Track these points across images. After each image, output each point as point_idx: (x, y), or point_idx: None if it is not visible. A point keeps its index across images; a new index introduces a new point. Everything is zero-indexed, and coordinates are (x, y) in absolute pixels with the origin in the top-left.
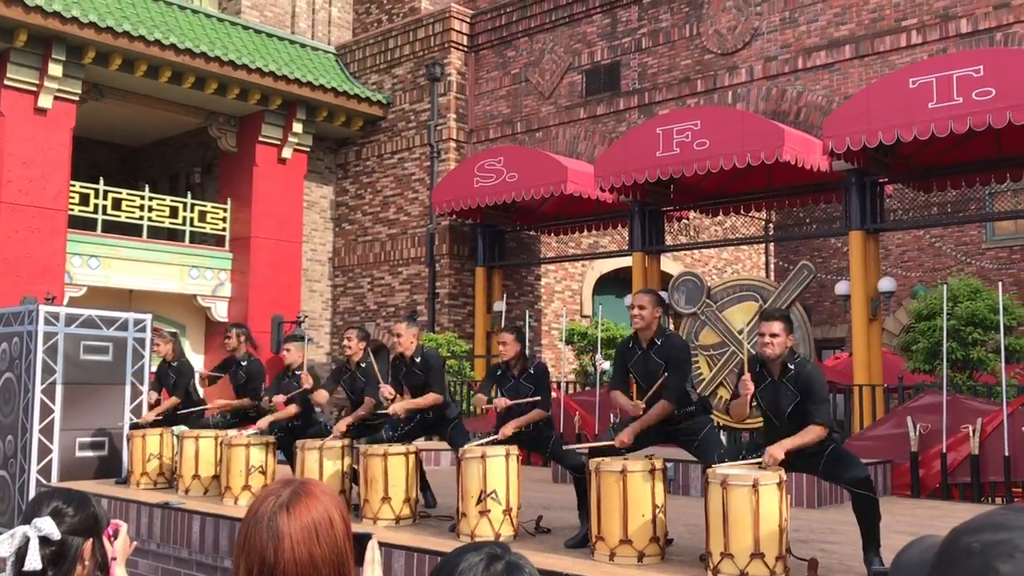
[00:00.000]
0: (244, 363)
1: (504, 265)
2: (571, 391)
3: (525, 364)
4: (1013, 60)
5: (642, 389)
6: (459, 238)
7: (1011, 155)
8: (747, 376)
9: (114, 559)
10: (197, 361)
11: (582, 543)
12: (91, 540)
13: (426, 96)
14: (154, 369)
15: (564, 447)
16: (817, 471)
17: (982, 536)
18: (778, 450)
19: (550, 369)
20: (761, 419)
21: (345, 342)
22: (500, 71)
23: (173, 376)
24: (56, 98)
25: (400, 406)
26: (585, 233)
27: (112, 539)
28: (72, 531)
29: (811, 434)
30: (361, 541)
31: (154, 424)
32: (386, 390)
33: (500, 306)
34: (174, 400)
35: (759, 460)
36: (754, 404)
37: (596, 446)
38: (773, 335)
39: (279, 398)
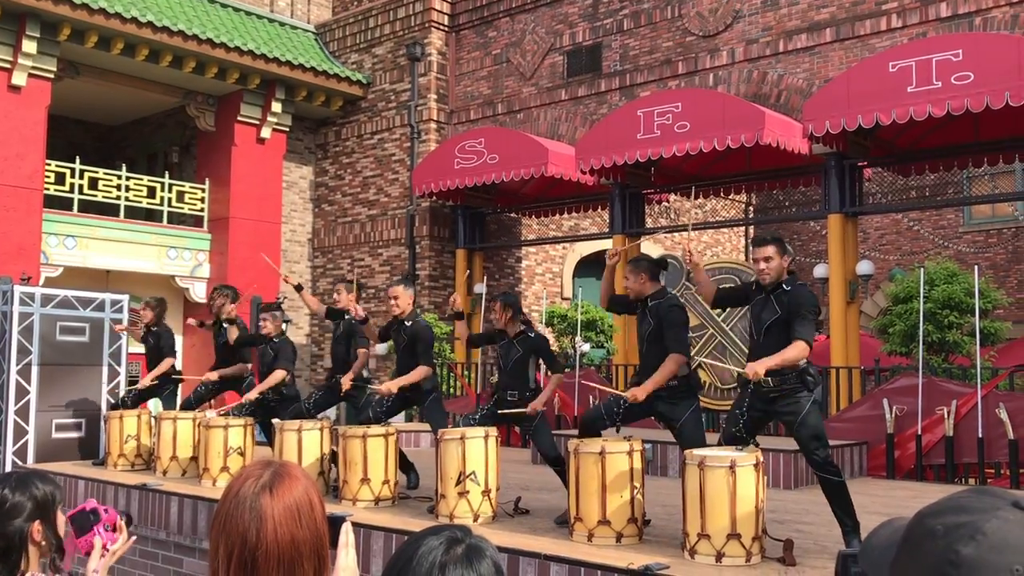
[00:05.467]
0: (226, 327)
1: (485, 247)
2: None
3: (521, 329)
4: (992, 45)
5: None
6: (440, 219)
7: (989, 140)
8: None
9: (107, 549)
10: (176, 342)
11: (567, 521)
12: (38, 522)
13: (406, 76)
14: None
15: (550, 430)
16: (793, 428)
17: (945, 519)
18: (760, 365)
19: None
20: (729, 403)
21: (335, 295)
22: (481, 51)
23: (153, 340)
24: (30, 75)
25: (389, 385)
26: (566, 215)
27: (109, 531)
28: (14, 515)
29: (793, 351)
30: (335, 524)
31: (134, 400)
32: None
33: (481, 288)
34: (168, 361)
35: (743, 371)
36: (730, 385)
37: (607, 391)
38: (767, 259)
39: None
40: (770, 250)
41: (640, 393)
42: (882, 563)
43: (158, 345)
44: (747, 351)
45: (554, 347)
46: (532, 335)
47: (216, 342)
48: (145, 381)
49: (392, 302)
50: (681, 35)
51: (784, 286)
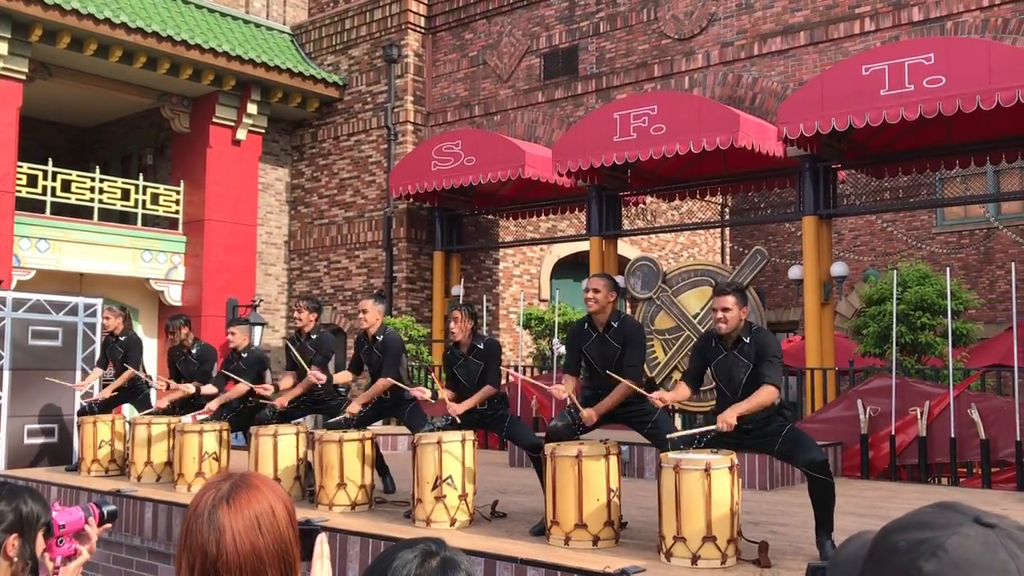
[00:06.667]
0: (194, 349)
1: (462, 249)
2: (528, 375)
3: (474, 341)
4: (963, 48)
5: (595, 372)
6: (417, 222)
7: (961, 142)
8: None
9: (58, 565)
10: (150, 345)
11: (543, 531)
12: (15, 536)
13: (383, 78)
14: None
15: (522, 426)
16: (773, 451)
17: (909, 535)
18: (731, 414)
19: (507, 353)
20: (712, 404)
21: (295, 314)
22: (458, 53)
23: (122, 350)
24: (1, 76)
25: (356, 403)
26: (543, 217)
27: (63, 545)
28: None
29: (763, 395)
30: (310, 535)
31: (105, 406)
32: (313, 375)
33: (458, 290)
34: (130, 372)
35: (713, 427)
36: (709, 387)
37: (556, 424)
38: (725, 310)
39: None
40: (729, 301)
41: (595, 415)
42: None
43: (126, 355)
44: (715, 402)
45: (531, 348)
46: (482, 346)
47: (184, 370)
48: (105, 393)
49: (361, 315)
50: (657, 38)
51: (744, 338)
